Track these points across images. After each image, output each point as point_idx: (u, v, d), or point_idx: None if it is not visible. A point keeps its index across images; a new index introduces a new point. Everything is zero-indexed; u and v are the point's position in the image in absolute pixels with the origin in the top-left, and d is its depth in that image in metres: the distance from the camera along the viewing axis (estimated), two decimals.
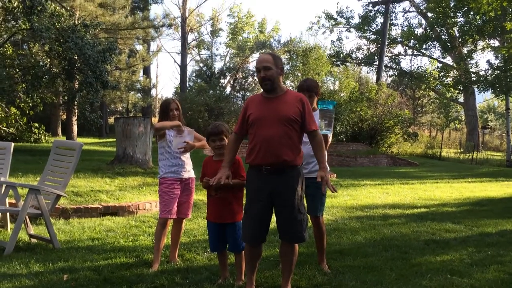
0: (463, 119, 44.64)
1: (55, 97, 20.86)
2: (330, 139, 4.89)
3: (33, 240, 6.05)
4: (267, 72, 4.02)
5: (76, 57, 16.21)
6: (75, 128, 23.61)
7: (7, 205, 6.49)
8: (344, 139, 26.83)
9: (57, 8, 17.44)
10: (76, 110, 19.05)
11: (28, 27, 15.82)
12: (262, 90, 4.21)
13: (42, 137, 21.21)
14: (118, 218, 7.54)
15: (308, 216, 4.55)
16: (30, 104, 18.53)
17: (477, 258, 5.51)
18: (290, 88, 28.40)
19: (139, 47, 37.79)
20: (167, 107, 5.14)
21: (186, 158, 5.18)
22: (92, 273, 4.64)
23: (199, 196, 9.12)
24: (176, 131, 5.04)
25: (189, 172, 5.19)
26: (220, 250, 4.53)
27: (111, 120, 39.67)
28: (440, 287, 4.40)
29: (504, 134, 39.32)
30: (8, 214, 6.53)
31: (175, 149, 5.00)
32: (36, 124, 21.09)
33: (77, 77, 17.21)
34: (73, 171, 6.13)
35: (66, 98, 18.58)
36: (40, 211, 5.67)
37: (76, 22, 17.22)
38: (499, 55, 26.88)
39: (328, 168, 5.19)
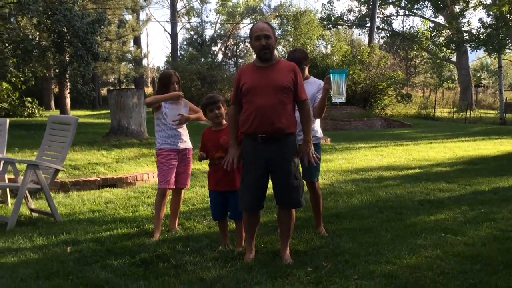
0: (456, 78, 44.66)
1: (46, 70, 20.71)
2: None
3: (35, 214, 6.13)
4: (268, 40, 4.02)
5: (65, 30, 16.07)
6: (68, 101, 23.49)
7: (7, 181, 6.55)
8: (338, 103, 26.82)
9: None
10: (68, 83, 18.98)
11: (15, 0, 15.60)
12: (255, 57, 4.23)
13: (36, 111, 21.17)
14: (116, 190, 7.62)
15: (304, 181, 4.63)
16: (22, 78, 18.40)
17: (470, 216, 5.64)
18: (282, 53, 28.25)
19: (128, 17, 37.33)
20: (168, 80, 5.11)
21: (183, 129, 5.21)
22: (95, 245, 4.74)
23: (197, 165, 9.19)
24: (171, 102, 5.06)
25: (185, 142, 5.24)
26: (221, 218, 4.63)
27: (103, 91, 39.51)
28: (435, 245, 4.51)
29: (497, 92, 39.40)
30: (8, 189, 6.60)
31: (170, 122, 5.03)
32: (29, 99, 21.03)
33: (67, 49, 17.07)
34: (70, 145, 6.17)
35: (57, 71, 18.47)
36: (40, 186, 5.74)
37: None
38: (491, 13, 26.72)
39: (321, 134, 5.28)
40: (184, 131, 5.23)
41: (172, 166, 5.09)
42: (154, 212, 5.29)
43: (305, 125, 4.17)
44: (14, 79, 18.57)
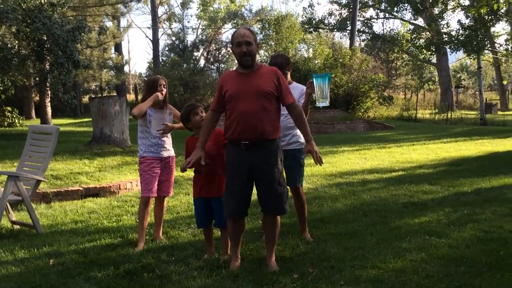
0: (436, 80, 45.09)
1: (26, 79, 20.44)
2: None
3: (16, 227, 6.03)
4: (249, 47, 4.01)
5: (45, 38, 15.90)
6: (49, 109, 23.16)
7: None
8: (321, 107, 26.92)
9: None
10: (49, 92, 18.73)
11: None
12: (237, 63, 4.21)
13: (16, 120, 20.91)
14: (99, 199, 7.54)
15: (288, 187, 4.62)
16: (1, 87, 18.16)
17: (453, 218, 5.68)
18: (264, 57, 28.27)
19: (109, 23, 37.02)
20: (155, 84, 5.07)
21: (167, 137, 5.16)
22: (78, 256, 4.68)
23: (179, 172, 9.13)
24: (155, 111, 5.00)
25: (169, 151, 5.20)
26: (206, 226, 4.60)
27: (85, 99, 39.15)
28: (419, 248, 4.54)
29: (477, 92, 39.85)
30: None
31: (154, 131, 4.95)
32: (9, 108, 20.77)
33: (48, 58, 16.88)
34: (51, 155, 6.09)
35: (37, 79, 18.26)
36: (21, 197, 5.65)
37: (43, 1, 16.77)
38: (470, 14, 27.04)
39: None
40: (168, 140, 5.19)
41: (155, 174, 5.05)
42: (138, 221, 5.23)
43: (301, 126, 4.16)
44: None
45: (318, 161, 4.04)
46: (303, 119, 4.15)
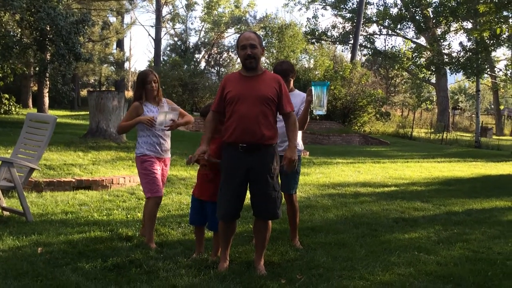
0: (434, 100, 45.25)
1: (26, 68, 20.40)
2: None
3: (6, 213, 6.00)
4: (253, 50, 4.03)
5: (48, 28, 15.86)
6: (46, 100, 23.12)
7: None
8: (318, 117, 27.02)
9: None
10: (48, 82, 18.66)
11: None
12: (241, 67, 4.23)
13: (13, 108, 20.82)
14: (91, 192, 7.52)
15: (282, 193, 4.62)
16: (0, 74, 18.11)
17: (443, 236, 5.70)
18: (265, 64, 28.34)
19: (112, 19, 37.05)
20: (144, 79, 4.95)
21: (167, 137, 5.07)
22: (67, 246, 4.66)
23: (173, 171, 9.14)
24: (152, 103, 5.00)
25: (167, 151, 5.11)
26: (198, 224, 4.59)
27: (83, 92, 39.06)
28: (408, 263, 4.55)
29: (473, 115, 40.03)
30: None
31: (160, 127, 4.83)
32: (7, 95, 20.68)
33: (49, 48, 16.86)
34: (47, 144, 6.08)
35: (37, 69, 18.21)
36: (13, 184, 5.62)
37: None
38: (472, 37, 27.21)
39: (302, 147, 5.28)
40: (168, 140, 5.10)
41: (158, 173, 4.96)
42: (145, 221, 5.01)
43: (290, 133, 4.16)
44: None
45: (288, 168, 4.06)
46: (295, 128, 4.17)
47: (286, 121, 4.18)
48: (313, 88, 4.59)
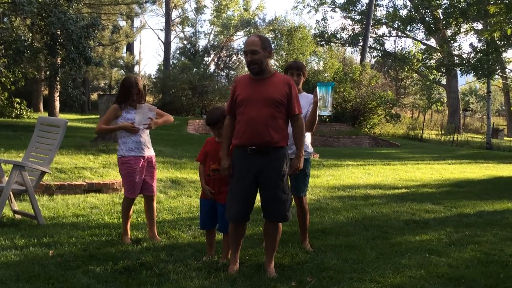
0: (445, 101, 45.03)
1: (37, 72, 20.54)
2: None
3: (17, 216, 6.05)
4: (254, 56, 4.04)
5: (59, 32, 15.95)
6: (57, 104, 23.33)
7: None
8: (327, 119, 27.01)
9: None
10: (59, 86, 18.83)
11: (9, 0, 15.50)
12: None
13: (24, 112, 20.98)
14: (102, 195, 7.56)
15: (292, 196, 4.62)
16: (12, 79, 18.24)
17: (455, 238, 5.66)
18: (274, 67, 28.40)
19: (122, 23, 37.29)
20: (129, 90, 5.07)
21: (146, 135, 5.18)
22: (78, 249, 4.69)
23: (183, 174, 9.17)
24: (137, 108, 5.09)
25: (150, 149, 5.21)
26: (208, 228, 4.60)
27: (93, 96, 39.32)
28: (419, 266, 4.52)
29: (484, 116, 39.81)
30: None
31: (139, 126, 5.00)
32: (18, 99, 20.85)
33: (60, 52, 16.95)
34: (58, 148, 6.11)
35: (48, 73, 18.36)
36: (25, 187, 5.67)
37: None
38: (482, 38, 27.06)
39: (311, 149, 5.27)
40: (148, 138, 5.21)
41: (137, 175, 5.05)
42: (122, 218, 5.24)
43: (297, 140, 4.18)
44: (3, 79, 18.42)
45: (292, 171, 4.19)
46: (302, 132, 4.18)
47: (293, 124, 4.17)
48: (318, 88, 4.60)
